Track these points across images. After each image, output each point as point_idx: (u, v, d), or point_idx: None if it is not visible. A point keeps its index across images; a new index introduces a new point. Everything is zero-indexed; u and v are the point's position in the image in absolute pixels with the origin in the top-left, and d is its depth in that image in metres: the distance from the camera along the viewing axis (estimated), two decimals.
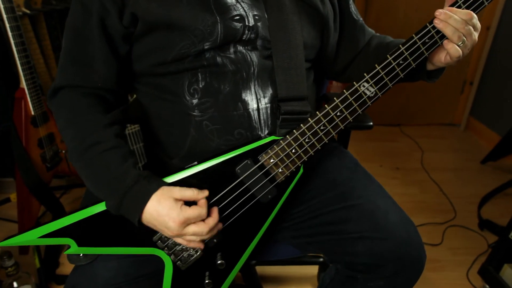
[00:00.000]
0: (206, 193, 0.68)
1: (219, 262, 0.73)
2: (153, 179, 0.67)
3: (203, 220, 0.66)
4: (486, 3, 0.66)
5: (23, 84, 1.29)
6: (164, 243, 0.70)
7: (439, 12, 0.64)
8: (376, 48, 0.85)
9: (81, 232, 0.67)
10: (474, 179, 2.07)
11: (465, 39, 0.66)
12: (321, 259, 1.35)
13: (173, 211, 0.63)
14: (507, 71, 2.22)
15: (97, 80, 0.71)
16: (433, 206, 1.84)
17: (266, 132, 0.73)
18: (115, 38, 0.70)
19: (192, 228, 0.65)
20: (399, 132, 2.56)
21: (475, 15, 0.65)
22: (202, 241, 0.69)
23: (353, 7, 0.86)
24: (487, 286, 1.33)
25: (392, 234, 0.73)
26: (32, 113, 1.33)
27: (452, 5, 0.66)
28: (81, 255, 0.71)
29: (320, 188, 0.80)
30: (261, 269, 1.43)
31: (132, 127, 1.65)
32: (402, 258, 0.73)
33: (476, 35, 0.67)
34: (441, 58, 0.70)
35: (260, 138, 0.71)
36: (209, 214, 0.67)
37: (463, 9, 0.65)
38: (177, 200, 0.65)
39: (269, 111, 0.72)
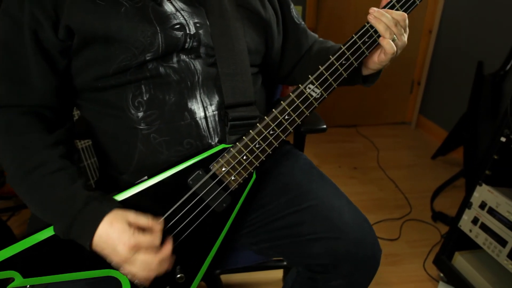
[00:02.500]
0: (160, 224, 0.66)
1: (178, 276, 0.71)
2: (105, 200, 0.64)
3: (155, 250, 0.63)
4: (417, 2, 0.70)
5: None
6: None
7: (373, 10, 0.68)
8: (317, 52, 0.88)
9: (26, 263, 0.63)
10: (426, 174, 2.17)
11: (395, 37, 0.69)
12: (285, 263, 1.36)
13: (124, 235, 0.61)
14: (450, 71, 2.37)
15: (35, 98, 0.67)
16: (390, 202, 1.92)
17: (216, 139, 0.72)
18: (51, 52, 0.66)
19: (141, 256, 0.61)
20: (355, 133, 2.64)
21: (406, 17, 0.69)
22: (151, 273, 0.63)
23: (294, 12, 0.88)
24: (442, 275, 1.40)
25: (347, 234, 0.74)
26: None
27: (386, 5, 0.70)
28: (27, 286, 0.65)
29: (274, 192, 0.81)
30: (226, 278, 1.41)
31: (84, 142, 1.59)
32: (358, 256, 0.74)
33: (405, 36, 0.71)
34: (374, 59, 0.73)
35: (210, 146, 0.71)
36: (162, 243, 0.65)
37: (397, 9, 0.69)
38: (130, 224, 0.62)
39: (217, 119, 0.72)
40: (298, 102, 0.69)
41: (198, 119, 0.70)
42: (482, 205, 1.22)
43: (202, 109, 0.70)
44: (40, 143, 0.65)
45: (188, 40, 0.69)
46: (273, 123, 0.69)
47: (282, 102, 0.69)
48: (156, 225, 0.65)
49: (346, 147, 2.46)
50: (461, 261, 1.33)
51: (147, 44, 0.65)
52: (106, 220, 0.61)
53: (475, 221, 1.24)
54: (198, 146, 0.71)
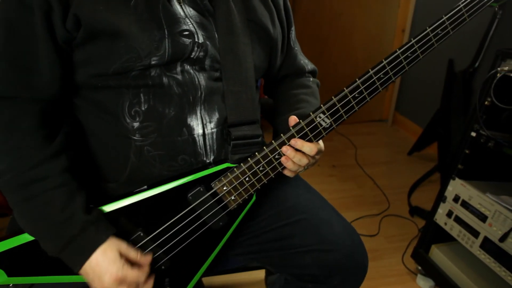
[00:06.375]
0: (149, 259, 0.66)
1: None
2: (102, 226, 0.63)
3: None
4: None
5: None
6: None
7: (286, 149, 0.68)
8: (290, 96, 0.85)
9: (11, 262, 0.63)
10: (403, 170, 2.23)
11: (303, 168, 0.72)
12: None
13: (114, 265, 0.61)
14: (423, 68, 2.43)
15: (40, 86, 0.61)
16: (369, 199, 1.95)
17: (212, 158, 0.70)
18: (58, 40, 0.61)
19: None
20: (333, 131, 2.66)
21: (319, 148, 0.70)
22: None
23: (293, 34, 0.86)
24: (420, 268, 1.44)
25: (338, 245, 0.75)
26: None
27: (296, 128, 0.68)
28: (10, 285, 0.65)
29: (262, 206, 0.80)
30: (208, 280, 1.40)
31: None
32: (349, 267, 0.75)
33: (317, 159, 0.74)
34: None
35: (204, 163, 0.70)
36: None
37: (307, 135, 0.68)
38: (121, 255, 0.63)
39: (214, 136, 0.69)
40: (307, 130, 0.68)
41: (196, 135, 0.68)
42: (456, 199, 1.25)
43: (201, 126, 0.68)
44: (43, 153, 0.62)
45: (196, 48, 0.66)
46: (280, 148, 0.68)
47: (291, 128, 0.68)
48: (145, 260, 0.66)
49: (324, 146, 2.48)
50: (437, 254, 1.37)
51: (153, 48, 0.62)
52: (99, 248, 0.61)
53: (449, 214, 1.28)
54: (192, 163, 0.69)
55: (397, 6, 2.51)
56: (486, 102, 1.15)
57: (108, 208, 0.66)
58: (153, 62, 0.63)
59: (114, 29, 0.60)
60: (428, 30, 0.66)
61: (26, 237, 0.63)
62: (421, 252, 1.42)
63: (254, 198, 0.73)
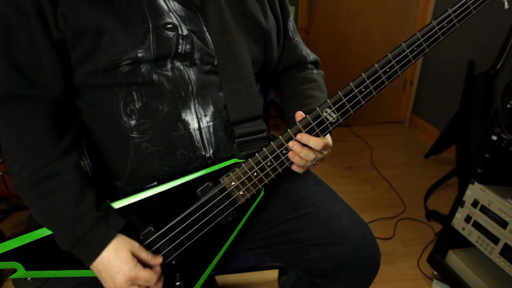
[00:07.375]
0: (159, 260, 0.67)
1: (177, 284, 0.72)
2: (112, 221, 0.64)
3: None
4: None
5: None
6: None
7: (292, 143, 0.68)
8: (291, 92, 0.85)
9: (29, 255, 0.64)
10: (419, 173, 2.19)
11: (311, 163, 0.71)
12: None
13: (126, 265, 0.62)
14: (442, 70, 2.39)
15: (47, 86, 0.64)
16: (384, 201, 1.93)
17: (211, 151, 0.71)
18: (54, 38, 0.62)
19: None
20: (349, 133, 2.65)
21: (325, 142, 0.69)
22: None
23: (291, 25, 0.85)
24: (436, 273, 1.41)
25: (347, 238, 0.74)
26: None
27: (303, 123, 0.68)
28: (28, 279, 0.67)
29: (271, 199, 0.80)
30: (221, 279, 1.41)
31: None
32: (359, 260, 0.75)
33: (325, 154, 0.72)
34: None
35: (204, 157, 0.70)
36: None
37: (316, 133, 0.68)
38: (133, 254, 0.64)
39: (211, 130, 0.70)
40: (313, 124, 0.68)
41: (192, 130, 0.68)
42: (475, 203, 1.23)
43: (196, 120, 0.68)
44: (55, 151, 0.64)
45: (181, 41, 0.66)
46: (287, 143, 0.68)
47: (298, 123, 0.68)
48: (154, 261, 0.67)
49: (339, 147, 2.47)
50: (454, 259, 1.34)
51: (138, 41, 0.63)
52: (111, 246, 0.63)
53: (467, 219, 1.25)
54: (191, 157, 0.69)
55: (416, 7, 2.47)
56: (508, 105, 1.12)
57: (119, 204, 0.67)
58: (139, 55, 0.63)
59: (98, 25, 0.61)
60: (434, 23, 0.66)
61: (43, 232, 0.65)
62: (437, 257, 1.39)
63: (262, 193, 0.73)
